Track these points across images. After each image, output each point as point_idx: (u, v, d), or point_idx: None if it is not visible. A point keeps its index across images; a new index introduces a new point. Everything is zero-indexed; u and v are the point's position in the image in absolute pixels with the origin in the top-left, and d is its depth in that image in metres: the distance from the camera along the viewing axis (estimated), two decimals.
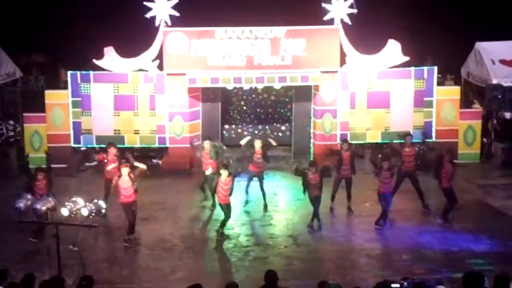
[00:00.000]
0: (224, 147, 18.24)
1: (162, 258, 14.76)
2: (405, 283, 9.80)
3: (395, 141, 18.97)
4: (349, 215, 17.07)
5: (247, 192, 17.87)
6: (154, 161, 21.93)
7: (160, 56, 21.11)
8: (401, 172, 17.19)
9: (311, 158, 21.74)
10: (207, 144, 17.62)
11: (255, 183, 17.75)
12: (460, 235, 15.56)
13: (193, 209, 17.54)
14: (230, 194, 15.62)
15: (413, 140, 18.55)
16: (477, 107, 22.78)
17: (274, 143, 18.28)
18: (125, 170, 15.21)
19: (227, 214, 15.60)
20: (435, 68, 21.57)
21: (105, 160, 17.23)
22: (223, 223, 15.64)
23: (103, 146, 20.96)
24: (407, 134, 18.20)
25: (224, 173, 15.41)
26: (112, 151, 17.27)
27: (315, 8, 21.07)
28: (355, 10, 20.77)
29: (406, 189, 17.50)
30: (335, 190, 17.30)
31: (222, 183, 15.39)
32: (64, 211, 11.93)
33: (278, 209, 17.67)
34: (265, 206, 17.60)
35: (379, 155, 17.21)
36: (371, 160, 17.59)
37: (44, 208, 13.03)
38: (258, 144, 17.75)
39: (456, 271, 12.86)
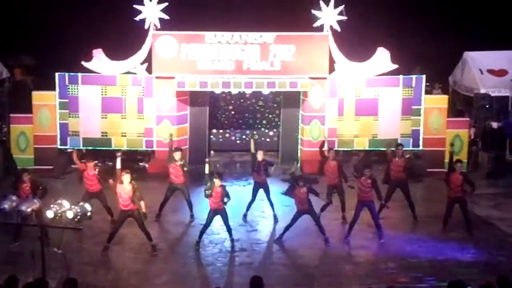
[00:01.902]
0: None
1: (147, 262, 14.69)
2: None
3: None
4: (336, 223, 17.02)
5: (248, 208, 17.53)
6: (141, 164, 21.88)
7: (149, 59, 21.05)
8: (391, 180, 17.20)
9: (298, 165, 21.79)
10: (178, 155, 17.32)
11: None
12: (446, 244, 15.58)
13: (179, 213, 17.47)
14: (225, 201, 15.38)
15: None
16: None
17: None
18: (126, 178, 15.01)
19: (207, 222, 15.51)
20: (424, 76, 21.66)
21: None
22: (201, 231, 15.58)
23: (89, 148, 21.04)
24: (398, 144, 18.13)
25: (217, 182, 15.29)
26: (90, 164, 16.83)
27: (305, 15, 21.09)
28: (345, 17, 20.81)
29: (393, 197, 17.47)
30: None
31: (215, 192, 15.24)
32: (49, 213, 11.82)
33: (264, 215, 17.62)
34: (275, 216, 17.36)
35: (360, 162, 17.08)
36: (354, 165, 17.37)
37: (29, 210, 12.91)
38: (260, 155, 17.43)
39: (441, 280, 12.88)
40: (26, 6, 26.41)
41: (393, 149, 17.55)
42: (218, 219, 15.58)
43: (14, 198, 14.62)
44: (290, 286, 13.11)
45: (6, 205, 14.53)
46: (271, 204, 17.35)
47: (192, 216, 17.21)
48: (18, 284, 10.04)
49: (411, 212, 17.30)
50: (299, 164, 21.83)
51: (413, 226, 16.93)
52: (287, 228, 15.73)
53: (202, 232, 15.48)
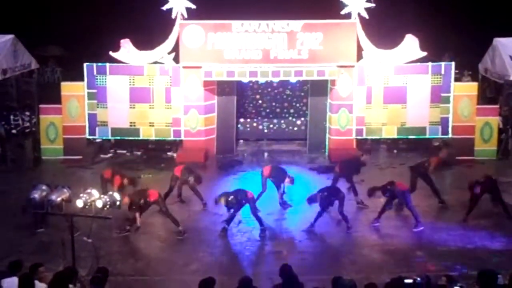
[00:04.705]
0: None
1: (175, 251, 14.77)
2: (418, 279, 9.77)
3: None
4: (364, 211, 16.96)
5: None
6: (169, 154, 21.96)
7: (176, 49, 21.08)
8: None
9: (326, 153, 21.73)
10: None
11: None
12: (475, 233, 15.45)
13: (207, 202, 17.48)
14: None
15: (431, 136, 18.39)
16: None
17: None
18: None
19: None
20: (453, 63, 21.43)
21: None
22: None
23: (118, 138, 21.25)
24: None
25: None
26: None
27: (332, 2, 20.96)
28: (372, 4, 20.62)
29: (421, 186, 17.36)
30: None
31: None
32: (79, 203, 11.93)
33: (292, 203, 17.59)
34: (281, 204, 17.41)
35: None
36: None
37: (59, 199, 13.04)
38: None
39: (471, 268, 12.79)
40: None
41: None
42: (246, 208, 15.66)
43: (44, 187, 14.86)
44: (319, 274, 13.07)
45: (37, 195, 14.80)
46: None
47: (204, 204, 17.26)
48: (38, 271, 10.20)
49: (437, 198, 17.24)
50: (326, 153, 21.76)
51: (442, 214, 16.80)
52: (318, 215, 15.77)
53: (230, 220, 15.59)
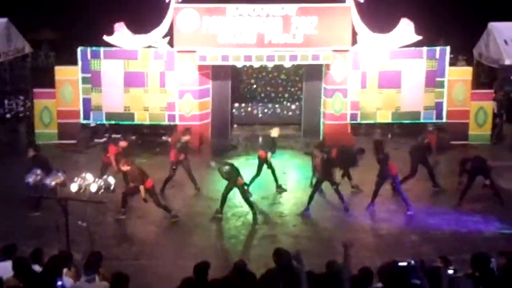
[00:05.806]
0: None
1: (170, 235, 14.79)
2: (413, 262, 9.78)
3: None
4: (358, 195, 16.98)
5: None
6: (164, 138, 21.95)
7: (170, 33, 21.01)
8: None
9: (321, 138, 21.74)
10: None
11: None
12: (469, 217, 15.51)
13: (202, 186, 17.49)
14: None
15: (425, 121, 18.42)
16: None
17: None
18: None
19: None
20: (448, 48, 21.41)
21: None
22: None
23: (112, 123, 21.20)
24: None
25: None
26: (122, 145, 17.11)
27: None
28: None
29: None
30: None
31: None
32: (73, 187, 11.92)
33: (287, 188, 17.61)
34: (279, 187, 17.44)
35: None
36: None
37: (53, 183, 13.00)
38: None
39: (464, 252, 12.82)
40: None
41: None
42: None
43: (38, 172, 14.79)
44: (313, 259, 13.06)
45: (31, 179, 14.73)
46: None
47: (198, 189, 17.26)
48: (43, 256, 10.14)
49: (432, 182, 17.33)
50: (321, 138, 21.79)
51: (436, 198, 16.87)
52: (310, 198, 15.81)
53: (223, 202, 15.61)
